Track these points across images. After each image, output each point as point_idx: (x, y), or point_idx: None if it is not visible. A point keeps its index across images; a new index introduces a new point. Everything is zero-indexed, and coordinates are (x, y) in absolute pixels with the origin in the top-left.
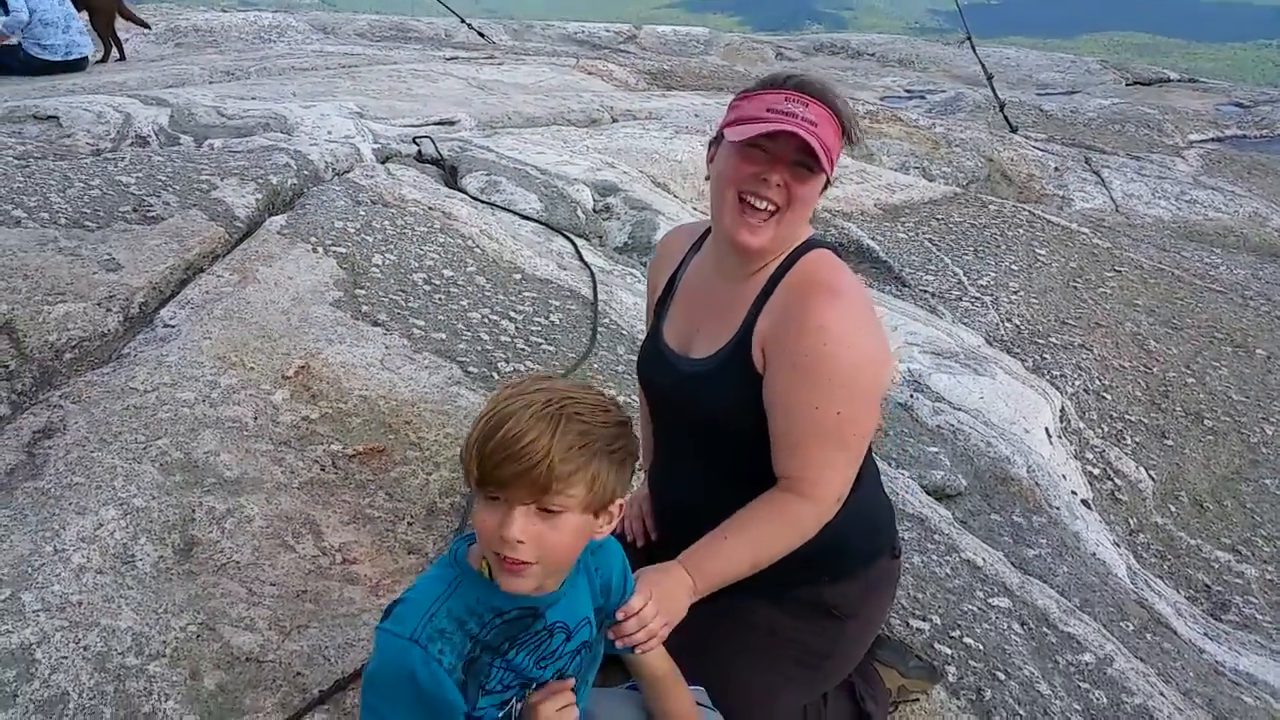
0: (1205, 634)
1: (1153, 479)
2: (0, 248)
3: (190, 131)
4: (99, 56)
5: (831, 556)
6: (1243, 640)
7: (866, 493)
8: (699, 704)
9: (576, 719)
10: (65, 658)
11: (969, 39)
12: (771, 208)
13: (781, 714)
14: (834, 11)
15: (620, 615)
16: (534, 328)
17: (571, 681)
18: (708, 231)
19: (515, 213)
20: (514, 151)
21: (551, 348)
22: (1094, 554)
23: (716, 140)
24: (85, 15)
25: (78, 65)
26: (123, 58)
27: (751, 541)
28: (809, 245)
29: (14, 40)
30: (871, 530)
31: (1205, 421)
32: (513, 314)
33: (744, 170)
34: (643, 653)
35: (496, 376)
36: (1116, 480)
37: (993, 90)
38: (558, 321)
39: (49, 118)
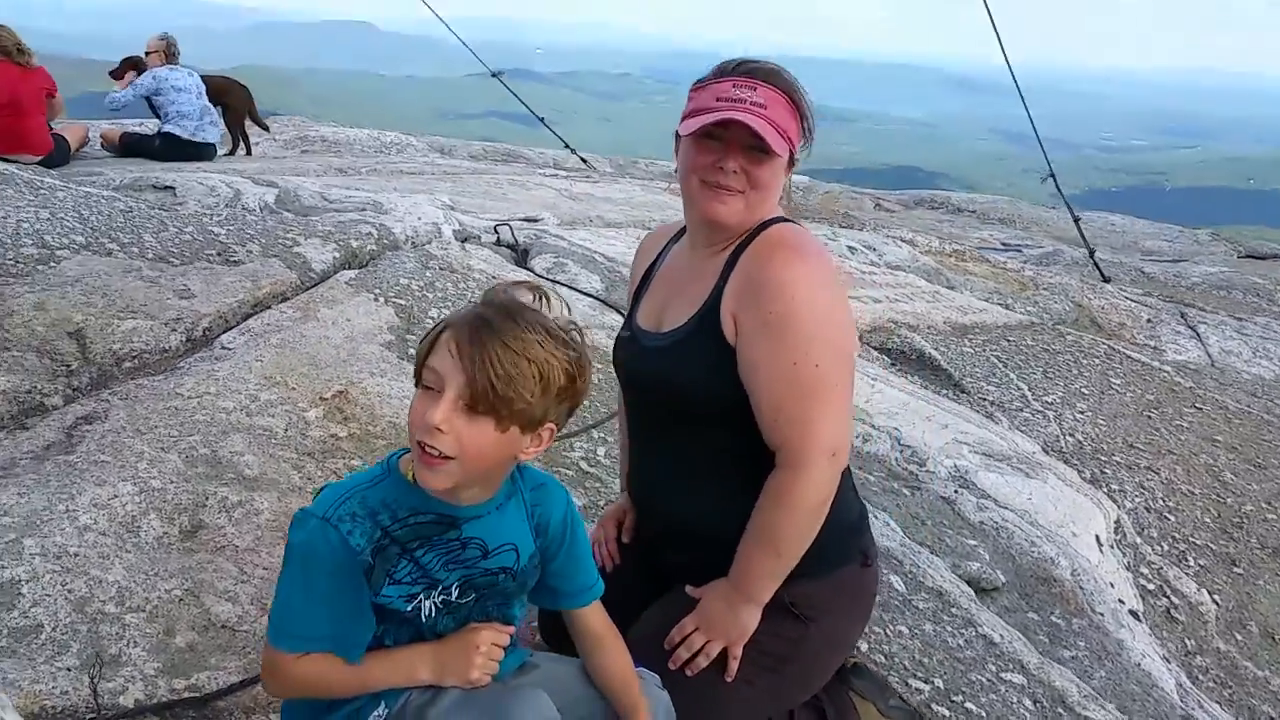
0: None
1: (1216, 604)
2: (89, 272)
3: (293, 209)
4: (228, 150)
5: None
6: None
7: (839, 494)
8: (657, 689)
9: (500, 657)
10: (48, 595)
11: (1052, 177)
12: (736, 189)
13: (736, 715)
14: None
15: (674, 634)
16: None
17: (512, 628)
18: (684, 229)
19: (574, 288)
20: (585, 241)
21: (586, 401)
22: (1138, 664)
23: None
24: (219, 110)
25: (207, 150)
26: (249, 153)
27: (764, 532)
28: (773, 221)
29: (139, 126)
30: (838, 531)
31: None
32: None
33: (701, 160)
34: (692, 673)
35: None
36: (1174, 599)
37: (1080, 233)
38: (597, 380)
39: (166, 188)
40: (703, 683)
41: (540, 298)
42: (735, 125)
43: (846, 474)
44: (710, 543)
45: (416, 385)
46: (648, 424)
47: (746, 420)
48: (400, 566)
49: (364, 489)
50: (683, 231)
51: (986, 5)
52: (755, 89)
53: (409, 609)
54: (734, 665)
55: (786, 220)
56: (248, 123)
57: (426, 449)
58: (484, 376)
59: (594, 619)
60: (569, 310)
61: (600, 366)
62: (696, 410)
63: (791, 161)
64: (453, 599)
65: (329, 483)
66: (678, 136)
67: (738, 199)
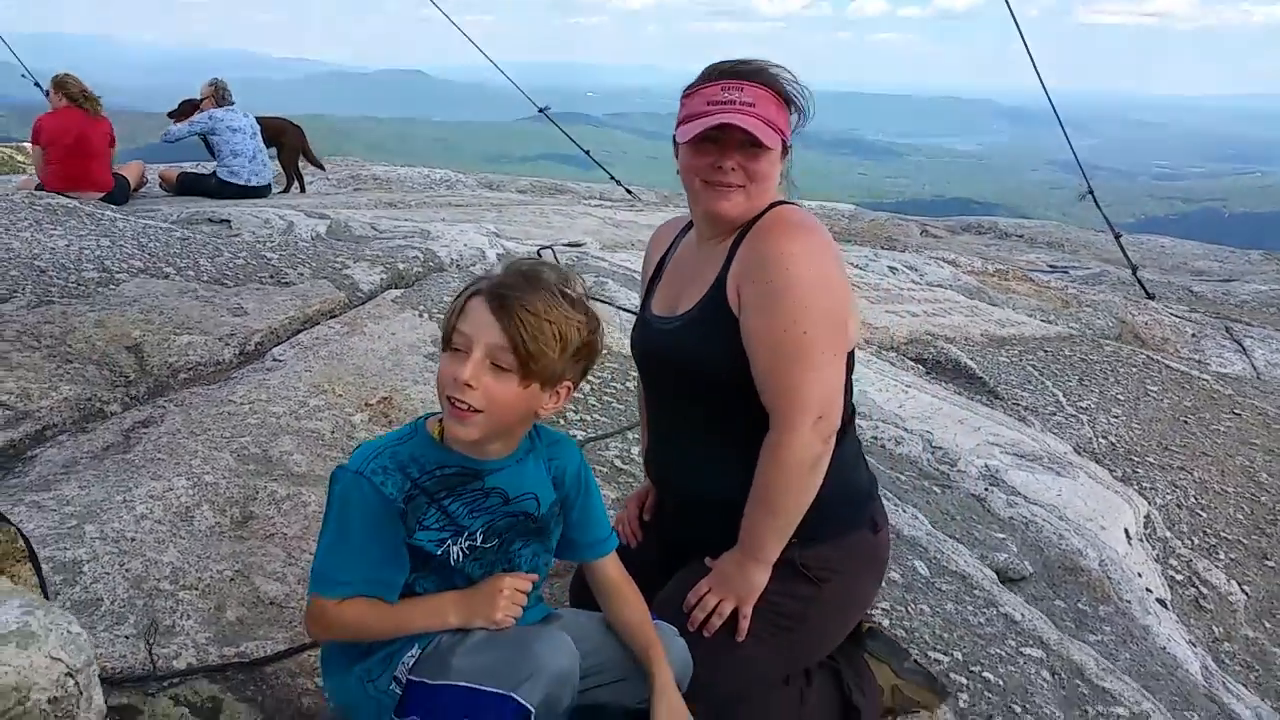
0: None
1: (1246, 594)
2: (146, 293)
3: (344, 239)
4: (282, 188)
5: (803, 519)
6: None
7: (844, 463)
8: (673, 636)
9: (523, 601)
10: (107, 573)
11: (1091, 193)
12: (736, 184)
13: (752, 672)
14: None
15: (690, 597)
16: (610, 390)
17: (534, 577)
18: (692, 221)
19: (613, 304)
20: (626, 262)
21: (621, 406)
22: (1164, 648)
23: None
24: (274, 150)
25: (261, 192)
26: (303, 190)
27: (759, 492)
28: (775, 205)
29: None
30: (846, 498)
31: None
32: (592, 377)
33: (701, 162)
34: (709, 633)
35: (561, 423)
36: (1202, 589)
37: (1121, 249)
38: (631, 388)
39: (222, 221)
40: (718, 642)
41: (556, 269)
42: (729, 127)
43: (853, 443)
44: (723, 510)
45: (445, 349)
46: (663, 402)
47: (754, 391)
48: (429, 514)
49: (394, 446)
50: (691, 224)
51: (1022, 36)
52: (742, 89)
53: (439, 552)
54: (744, 624)
55: (788, 203)
56: (302, 162)
57: (456, 403)
58: (509, 336)
59: (611, 569)
60: (585, 283)
61: (634, 372)
62: (708, 382)
63: (785, 149)
64: (478, 544)
65: (363, 442)
66: (675, 142)
67: (739, 193)
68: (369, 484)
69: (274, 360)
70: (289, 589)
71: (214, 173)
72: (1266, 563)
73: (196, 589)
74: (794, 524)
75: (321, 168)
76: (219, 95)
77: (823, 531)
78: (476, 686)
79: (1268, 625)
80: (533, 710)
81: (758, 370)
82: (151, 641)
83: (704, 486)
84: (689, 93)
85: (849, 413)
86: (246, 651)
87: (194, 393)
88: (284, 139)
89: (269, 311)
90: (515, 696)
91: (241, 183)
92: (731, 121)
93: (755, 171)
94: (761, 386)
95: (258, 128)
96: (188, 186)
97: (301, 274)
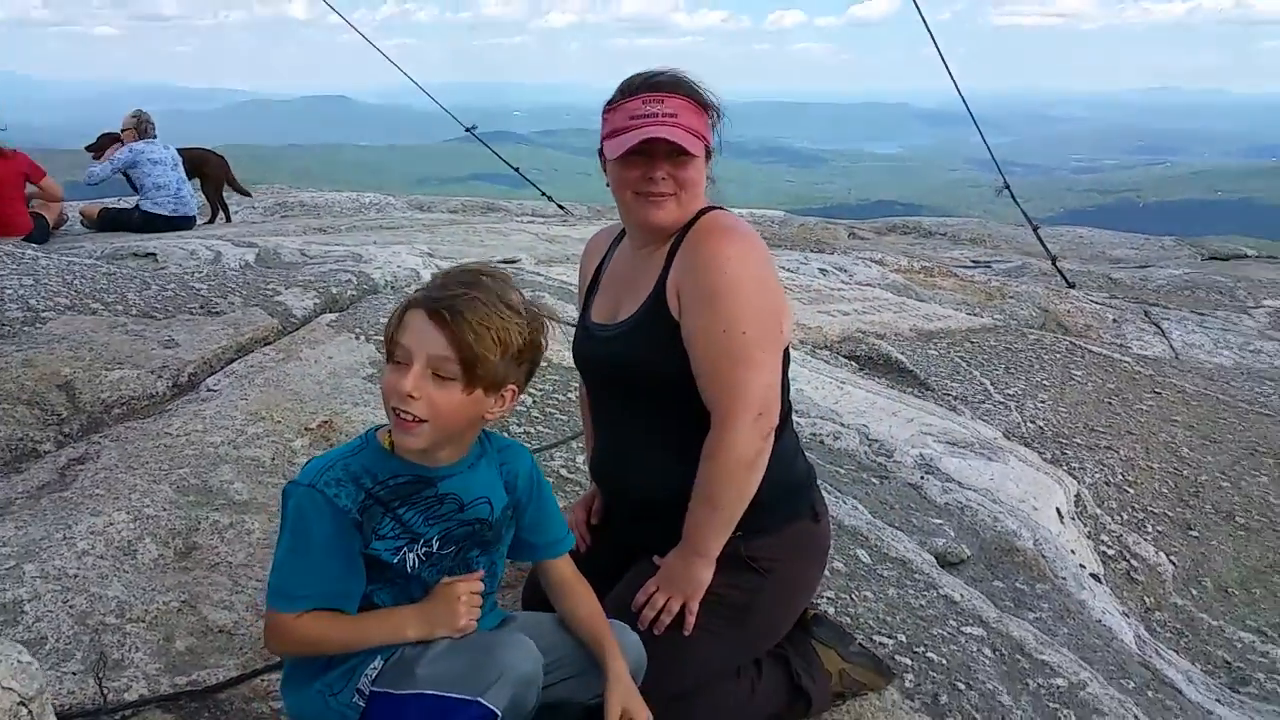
0: (1218, 700)
1: (1174, 564)
2: (74, 330)
3: (274, 266)
4: (207, 219)
5: (747, 513)
6: (1259, 709)
7: (783, 457)
8: (627, 632)
9: (479, 604)
10: (50, 611)
11: (1007, 188)
12: (667, 193)
13: (704, 664)
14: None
15: (639, 597)
16: (552, 402)
17: (481, 573)
18: (625, 230)
19: (551, 318)
20: (562, 276)
21: (564, 417)
22: (1099, 620)
23: (603, 150)
24: (197, 181)
25: (186, 223)
26: (228, 220)
27: (701, 488)
28: (705, 210)
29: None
30: (788, 490)
31: (1237, 519)
32: (534, 390)
33: (631, 176)
34: (659, 631)
35: (507, 435)
36: (1133, 562)
37: (1040, 240)
38: (573, 398)
39: (148, 254)
40: (669, 638)
41: (492, 275)
42: (657, 140)
43: (791, 436)
44: (670, 510)
45: (388, 362)
46: (608, 407)
47: (696, 392)
48: (384, 524)
49: (345, 458)
50: (624, 233)
51: (934, 39)
52: (663, 101)
53: (395, 560)
54: (690, 619)
55: (717, 208)
56: (228, 191)
57: (401, 414)
58: (450, 346)
59: (565, 569)
60: (520, 285)
61: (575, 383)
62: (652, 386)
63: (709, 154)
64: (434, 550)
65: (313, 456)
66: (602, 156)
67: (670, 201)
68: (322, 496)
69: (208, 390)
70: (238, 616)
71: (137, 206)
72: (1191, 533)
73: (144, 621)
74: (736, 519)
75: (248, 194)
76: (141, 127)
77: (766, 523)
78: (443, 694)
79: (1194, 593)
80: (499, 713)
81: (699, 370)
82: (101, 676)
83: (650, 488)
84: (611, 107)
85: (786, 408)
86: (199, 680)
87: (129, 427)
88: (206, 170)
89: (201, 342)
90: (482, 701)
91: (167, 214)
92: (660, 135)
93: (684, 179)
94: (703, 386)
95: (179, 160)
96: (110, 222)
97: (232, 303)
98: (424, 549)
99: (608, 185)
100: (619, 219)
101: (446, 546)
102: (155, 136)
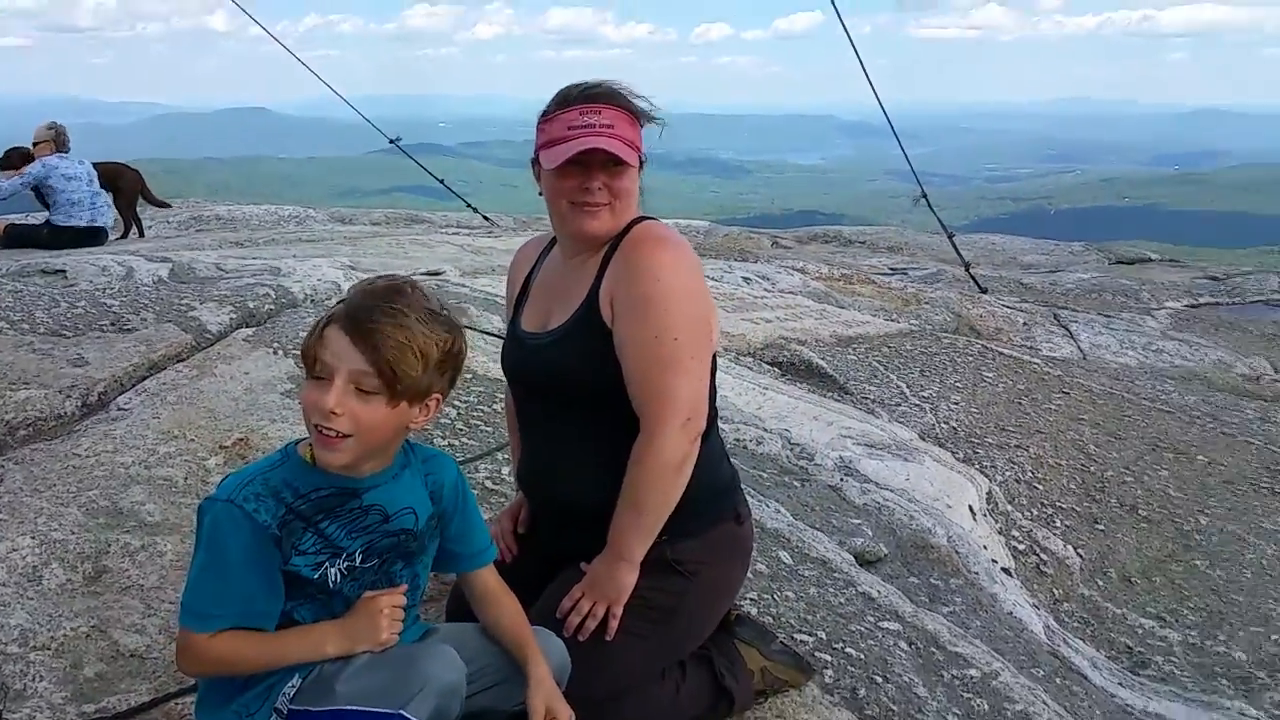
0: (1120, 683)
1: (1081, 557)
2: None
3: (188, 281)
4: (119, 234)
5: (673, 516)
6: (1157, 689)
7: (709, 461)
8: (551, 637)
9: (402, 617)
10: None
11: (925, 197)
12: (602, 203)
13: (630, 668)
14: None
15: (565, 603)
16: (476, 414)
17: (404, 587)
18: (555, 239)
19: (475, 328)
20: (488, 287)
21: (489, 429)
22: (1010, 613)
23: (536, 160)
24: (110, 195)
25: (97, 235)
26: (141, 235)
27: (627, 493)
28: (638, 220)
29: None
30: (712, 493)
31: (1140, 512)
32: (458, 402)
33: (567, 186)
34: (583, 636)
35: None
36: (1042, 556)
37: (954, 248)
38: (498, 410)
39: (57, 271)
40: (594, 643)
41: (409, 286)
42: (594, 150)
43: (717, 440)
44: (598, 517)
45: (308, 377)
46: (537, 416)
47: (626, 400)
48: (305, 539)
49: (265, 473)
50: (554, 242)
51: (856, 51)
52: (600, 112)
53: (315, 576)
54: (613, 624)
55: (649, 218)
56: (141, 205)
57: (324, 431)
58: (370, 361)
59: (489, 579)
60: (436, 293)
61: (500, 395)
62: (582, 394)
63: (641, 164)
64: (357, 564)
65: (229, 473)
66: (536, 165)
67: (605, 211)
68: (241, 511)
69: (119, 409)
70: (150, 640)
71: (46, 222)
72: (1097, 526)
73: (49, 649)
74: (660, 523)
75: (167, 205)
76: (58, 140)
77: (691, 527)
78: (364, 709)
79: (1100, 583)
80: None
81: (630, 376)
82: (2, 708)
83: (579, 495)
84: (547, 118)
85: (712, 413)
86: (108, 706)
87: (35, 449)
88: (120, 183)
89: (111, 360)
90: (404, 714)
91: (83, 225)
92: (598, 146)
93: (619, 189)
94: (633, 392)
95: (94, 175)
96: (17, 238)
97: (145, 319)
98: (346, 563)
99: (540, 194)
100: (547, 229)
101: (370, 560)
102: (69, 150)
